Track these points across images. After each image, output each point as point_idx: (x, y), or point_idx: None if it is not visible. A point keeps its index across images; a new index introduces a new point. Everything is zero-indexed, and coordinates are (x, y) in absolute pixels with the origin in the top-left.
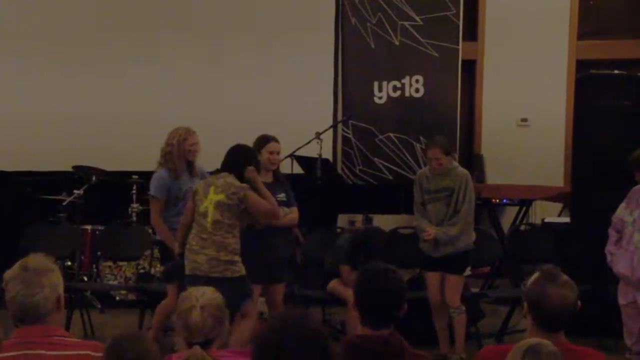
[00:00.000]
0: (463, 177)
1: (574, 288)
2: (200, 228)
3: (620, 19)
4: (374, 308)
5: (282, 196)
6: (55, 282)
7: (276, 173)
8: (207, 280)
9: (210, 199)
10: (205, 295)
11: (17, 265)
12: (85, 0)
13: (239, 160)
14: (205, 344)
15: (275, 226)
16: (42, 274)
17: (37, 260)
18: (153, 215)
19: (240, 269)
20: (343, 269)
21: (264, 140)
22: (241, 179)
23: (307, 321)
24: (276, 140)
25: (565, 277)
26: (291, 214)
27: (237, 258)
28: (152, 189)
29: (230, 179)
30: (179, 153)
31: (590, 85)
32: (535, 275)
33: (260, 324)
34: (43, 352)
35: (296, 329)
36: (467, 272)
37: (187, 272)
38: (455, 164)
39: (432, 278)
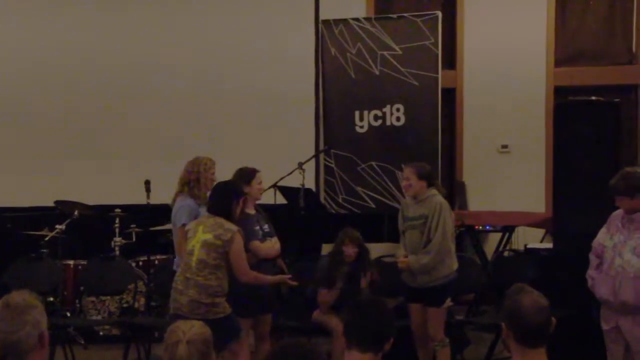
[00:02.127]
0: (437, 206)
1: (544, 298)
2: (186, 267)
3: (596, 46)
4: (363, 330)
5: (266, 227)
6: (38, 319)
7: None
8: None
9: (198, 237)
10: (192, 330)
11: None
12: None
13: (224, 201)
14: None
15: (264, 258)
16: (24, 310)
17: (19, 296)
18: (181, 246)
19: (224, 309)
20: (320, 293)
21: (252, 172)
22: (230, 219)
23: (308, 351)
24: (258, 170)
25: (534, 290)
26: (277, 244)
27: (219, 300)
28: (183, 218)
29: (219, 219)
30: (205, 180)
31: (568, 111)
32: (507, 293)
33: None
34: None
35: (297, 358)
36: (448, 303)
37: (171, 311)
38: (433, 192)
39: (415, 310)
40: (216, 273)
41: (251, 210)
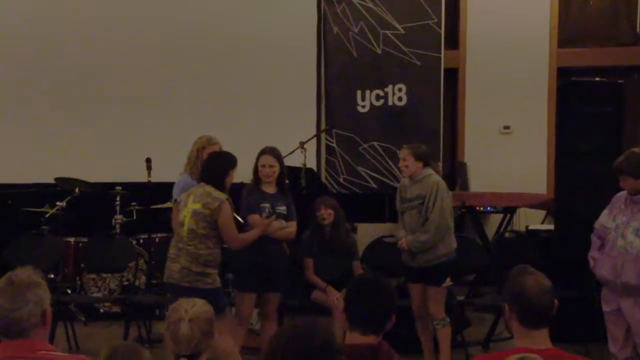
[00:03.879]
0: (434, 185)
1: (548, 279)
2: (178, 237)
3: (599, 27)
4: (364, 313)
5: (282, 209)
6: (41, 296)
7: (280, 185)
8: (178, 289)
9: (189, 207)
10: (194, 308)
11: (3, 278)
12: None
13: (215, 170)
14: (193, 357)
15: (272, 237)
16: (27, 288)
17: (23, 274)
18: (175, 220)
19: (213, 282)
20: (305, 261)
21: (259, 153)
22: (220, 188)
23: (317, 331)
24: (269, 153)
25: (538, 271)
26: (289, 228)
27: (211, 270)
28: (175, 194)
29: (209, 188)
30: (197, 160)
31: (571, 92)
32: (510, 274)
33: (253, 338)
34: None
35: (304, 338)
36: (448, 282)
37: (164, 279)
38: (429, 171)
39: (415, 290)
40: (206, 242)
41: (271, 190)
